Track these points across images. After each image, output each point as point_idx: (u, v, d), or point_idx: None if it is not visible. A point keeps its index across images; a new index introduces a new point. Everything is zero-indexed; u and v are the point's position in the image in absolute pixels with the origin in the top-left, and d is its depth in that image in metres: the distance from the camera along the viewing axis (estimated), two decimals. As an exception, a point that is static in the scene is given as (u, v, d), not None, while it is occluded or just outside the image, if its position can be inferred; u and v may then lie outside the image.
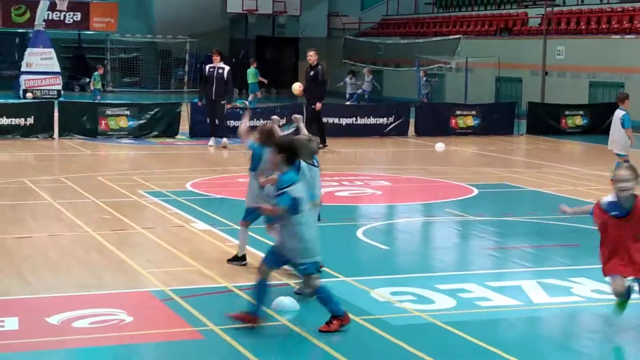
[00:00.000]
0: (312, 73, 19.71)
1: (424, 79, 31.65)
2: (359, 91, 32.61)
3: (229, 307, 7.93)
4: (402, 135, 23.26)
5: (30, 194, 13.47)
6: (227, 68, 19.82)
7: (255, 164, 8.99)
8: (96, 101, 26.13)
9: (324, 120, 20.75)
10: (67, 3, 33.56)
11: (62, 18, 37.31)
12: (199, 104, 20.44)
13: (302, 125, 9.55)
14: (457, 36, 33.62)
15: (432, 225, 12.41)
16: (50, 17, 35.19)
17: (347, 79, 33.11)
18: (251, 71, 29.05)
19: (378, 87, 33.45)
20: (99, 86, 32.92)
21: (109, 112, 21.57)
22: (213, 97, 19.68)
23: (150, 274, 8.92)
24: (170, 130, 21.64)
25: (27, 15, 36.91)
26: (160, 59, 42.07)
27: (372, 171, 17.38)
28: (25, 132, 20.49)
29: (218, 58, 19.81)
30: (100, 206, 12.45)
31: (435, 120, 23.85)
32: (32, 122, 20.55)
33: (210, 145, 19.99)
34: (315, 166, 8.28)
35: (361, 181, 15.66)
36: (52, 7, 34.03)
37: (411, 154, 21.02)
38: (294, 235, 7.02)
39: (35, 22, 33.79)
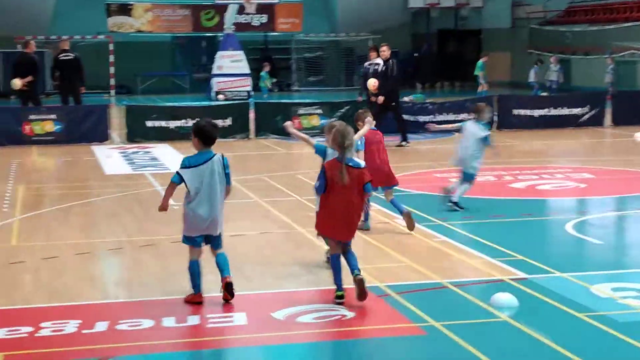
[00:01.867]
0: (384, 68, 19.28)
1: (610, 66, 30.55)
2: (549, 81, 31.83)
3: (447, 303, 7.95)
4: (597, 126, 22.55)
5: (237, 193, 13.87)
6: (382, 64, 19.89)
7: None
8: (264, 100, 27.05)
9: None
10: (255, 5, 34.44)
11: (249, 21, 38.37)
12: (359, 99, 20.62)
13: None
14: (651, 21, 32.28)
15: (643, 218, 11.96)
16: (238, 20, 36.26)
17: (536, 67, 32.44)
18: (479, 64, 29.82)
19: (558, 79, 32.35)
20: (267, 84, 33.85)
21: (301, 111, 22.03)
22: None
23: (363, 270, 8.97)
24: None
25: (216, 19, 38.21)
26: (343, 57, 42.55)
27: (571, 163, 16.94)
28: (224, 133, 21.14)
29: (374, 54, 19.92)
30: (304, 204, 12.72)
31: (633, 109, 22.94)
32: (230, 123, 21.27)
33: None
34: None
35: (562, 174, 15.28)
36: (240, 10, 35.04)
37: (610, 145, 20.36)
38: None
39: (225, 26, 34.92)
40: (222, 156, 8.04)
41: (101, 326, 7.21)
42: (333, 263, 7.85)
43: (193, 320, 7.40)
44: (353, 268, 7.83)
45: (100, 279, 9.00)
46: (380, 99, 18.92)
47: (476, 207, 12.43)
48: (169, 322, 7.34)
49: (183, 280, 8.62)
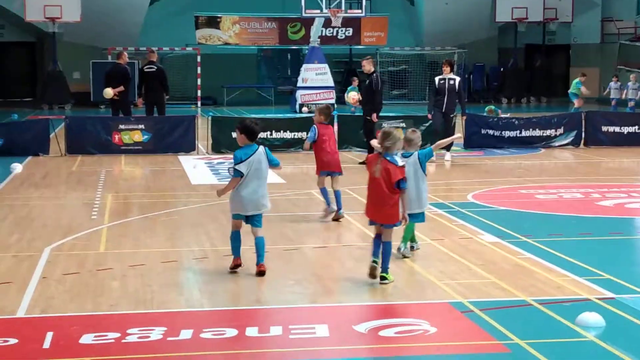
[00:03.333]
0: (367, 82, 18.82)
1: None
2: (623, 97, 31.24)
3: (531, 321, 7.84)
4: (688, 144, 21.99)
5: (319, 205, 13.94)
6: (457, 79, 19.61)
7: None
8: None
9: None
10: (341, 19, 34.60)
11: (334, 34, 38.62)
12: (429, 116, 20.23)
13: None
14: None
15: None
16: (323, 34, 36.49)
17: (612, 84, 31.85)
18: (575, 81, 30.48)
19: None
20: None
21: (385, 124, 21.98)
22: (444, 110, 19.45)
23: (446, 285, 8.97)
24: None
25: (302, 32, 38.54)
26: (428, 71, 42.38)
27: (661, 182, 16.55)
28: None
29: (448, 69, 19.55)
30: (388, 217, 12.66)
31: None
32: (314, 136, 21.37)
33: (447, 160, 19.55)
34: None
35: (651, 192, 14.97)
36: (327, 24, 35.26)
37: (702, 163, 19.82)
38: None
39: (311, 39, 35.22)
40: (265, 147, 9.38)
41: (186, 334, 7.30)
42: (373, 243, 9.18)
43: (276, 330, 7.44)
44: (380, 258, 9.01)
45: (186, 287, 9.13)
46: (374, 117, 18.59)
47: (563, 224, 12.25)
48: (252, 331, 7.40)
49: (267, 290, 8.72)
